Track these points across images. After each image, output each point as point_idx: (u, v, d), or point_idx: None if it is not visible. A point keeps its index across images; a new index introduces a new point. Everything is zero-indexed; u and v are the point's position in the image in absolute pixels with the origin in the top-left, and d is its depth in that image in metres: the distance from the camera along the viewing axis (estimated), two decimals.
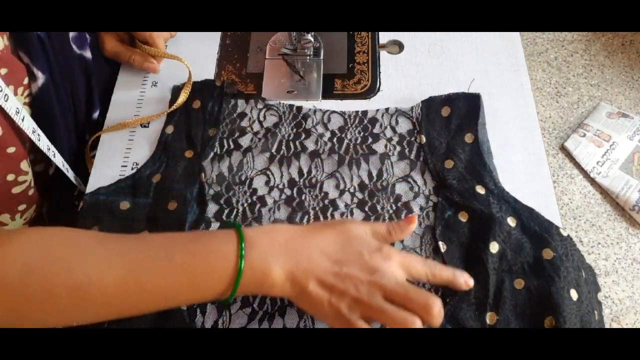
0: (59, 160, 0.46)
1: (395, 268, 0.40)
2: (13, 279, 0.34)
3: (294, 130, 0.56)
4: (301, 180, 0.53)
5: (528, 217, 0.49)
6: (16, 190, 0.47)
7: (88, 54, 0.55)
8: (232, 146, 0.55)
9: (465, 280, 0.43)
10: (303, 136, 0.56)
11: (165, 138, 0.56)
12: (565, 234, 0.49)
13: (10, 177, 0.45)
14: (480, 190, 0.51)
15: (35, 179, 0.50)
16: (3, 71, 0.41)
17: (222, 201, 0.52)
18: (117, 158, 0.55)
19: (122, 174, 0.54)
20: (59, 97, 0.50)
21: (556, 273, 0.45)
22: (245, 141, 0.55)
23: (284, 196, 0.52)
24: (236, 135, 0.55)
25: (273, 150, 0.55)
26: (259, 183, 0.53)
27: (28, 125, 0.40)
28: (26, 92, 0.46)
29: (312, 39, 0.61)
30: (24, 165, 0.46)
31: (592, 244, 1.25)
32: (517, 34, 0.65)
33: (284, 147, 0.55)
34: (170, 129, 0.56)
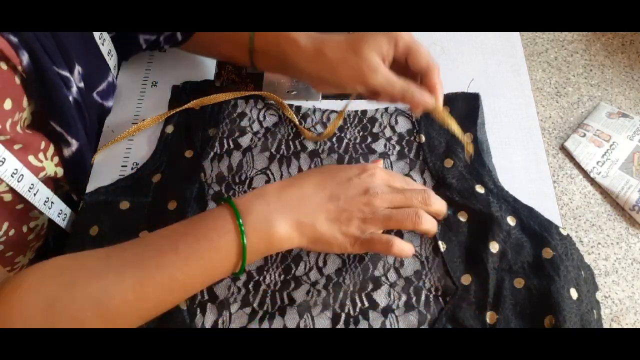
0: (54, 210, 0.48)
1: (381, 181, 0.44)
2: (37, 317, 0.35)
3: (294, 129, 0.56)
4: None
5: (528, 217, 0.49)
6: (31, 237, 0.48)
7: (110, 103, 0.56)
8: (232, 146, 0.55)
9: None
10: (303, 136, 0.56)
11: (165, 138, 0.56)
12: (564, 233, 0.49)
13: (25, 229, 0.47)
14: (480, 189, 0.51)
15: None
16: (16, 147, 0.42)
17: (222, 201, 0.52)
18: (117, 158, 0.55)
19: (122, 174, 0.54)
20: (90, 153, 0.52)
21: (556, 272, 0.45)
22: (245, 141, 0.55)
23: None
24: (236, 135, 0.55)
25: (273, 150, 0.55)
26: (258, 183, 0.53)
27: (24, 184, 0.42)
28: (55, 158, 0.47)
29: None
30: (34, 213, 0.47)
31: (592, 244, 1.25)
32: (517, 34, 0.65)
33: (283, 147, 0.55)
34: (170, 129, 0.56)
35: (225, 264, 0.40)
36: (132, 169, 0.55)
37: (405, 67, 0.49)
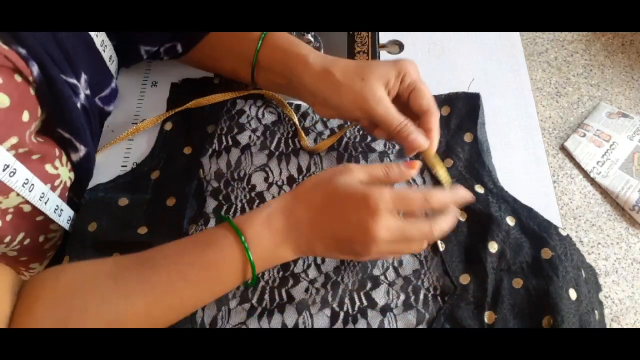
0: (64, 218, 0.49)
1: (386, 217, 0.39)
2: None
3: (293, 127, 0.56)
4: (300, 177, 0.53)
5: (527, 217, 0.49)
6: (47, 246, 0.49)
7: (110, 107, 0.56)
8: (230, 143, 0.55)
9: (463, 196, 0.43)
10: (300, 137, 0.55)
11: (164, 135, 0.56)
12: (564, 233, 0.49)
13: (42, 239, 0.48)
14: (480, 189, 0.51)
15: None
16: (34, 157, 0.43)
17: (220, 197, 0.52)
18: (117, 158, 0.55)
19: (122, 172, 0.54)
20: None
21: (555, 272, 0.45)
22: (244, 138, 0.55)
23: (282, 193, 0.52)
24: (235, 133, 0.55)
25: (272, 148, 0.55)
26: (257, 179, 0.53)
27: (34, 194, 0.43)
28: (69, 164, 0.48)
29: (312, 39, 0.61)
30: (54, 226, 0.48)
31: (592, 244, 1.25)
32: (517, 34, 0.65)
33: (282, 145, 0.55)
34: (169, 126, 0.56)
35: (232, 286, 0.42)
36: (132, 168, 0.55)
37: (405, 106, 0.49)
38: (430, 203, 0.41)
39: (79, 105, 0.46)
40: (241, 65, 0.53)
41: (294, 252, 0.42)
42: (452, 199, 0.42)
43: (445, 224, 0.41)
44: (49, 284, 0.39)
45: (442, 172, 0.48)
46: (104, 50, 0.51)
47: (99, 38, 0.50)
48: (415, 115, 0.48)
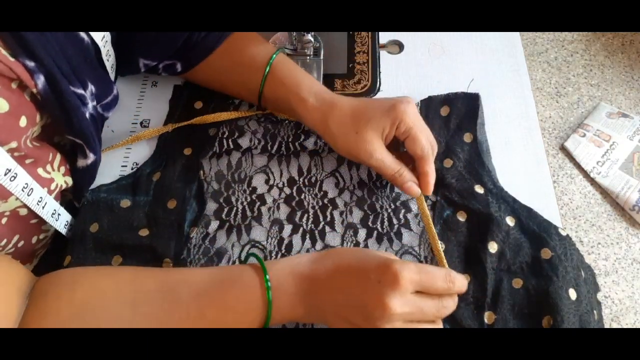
0: (61, 222, 0.49)
1: (404, 291, 0.38)
2: None
3: (293, 131, 0.56)
4: (301, 179, 0.53)
5: (527, 217, 0.49)
6: (39, 246, 0.49)
7: (109, 114, 0.56)
8: (231, 146, 0.55)
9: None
10: (302, 137, 0.55)
11: (165, 137, 0.56)
12: (564, 233, 0.49)
13: (34, 240, 0.48)
14: (479, 189, 0.51)
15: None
16: (28, 161, 0.43)
17: (221, 200, 0.52)
18: (117, 159, 0.55)
19: (122, 174, 0.54)
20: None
21: (554, 273, 0.45)
22: (245, 142, 0.55)
23: (283, 195, 0.52)
24: (236, 136, 0.55)
25: (273, 151, 0.55)
26: (258, 181, 0.53)
27: (33, 198, 0.43)
28: (62, 169, 0.48)
29: (312, 39, 0.61)
30: (45, 226, 0.48)
31: (592, 244, 1.25)
32: (517, 34, 0.65)
33: (283, 148, 0.55)
34: (170, 128, 0.56)
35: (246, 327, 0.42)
36: (132, 169, 0.55)
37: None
38: (453, 287, 0.40)
39: (87, 115, 0.46)
40: (246, 94, 0.56)
41: (305, 310, 0.41)
42: (465, 284, 0.42)
43: (453, 305, 0.41)
44: (65, 296, 0.39)
45: (427, 221, 0.48)
46: (108, 60, 0.52)
47: (105, 48, 0.50)
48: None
